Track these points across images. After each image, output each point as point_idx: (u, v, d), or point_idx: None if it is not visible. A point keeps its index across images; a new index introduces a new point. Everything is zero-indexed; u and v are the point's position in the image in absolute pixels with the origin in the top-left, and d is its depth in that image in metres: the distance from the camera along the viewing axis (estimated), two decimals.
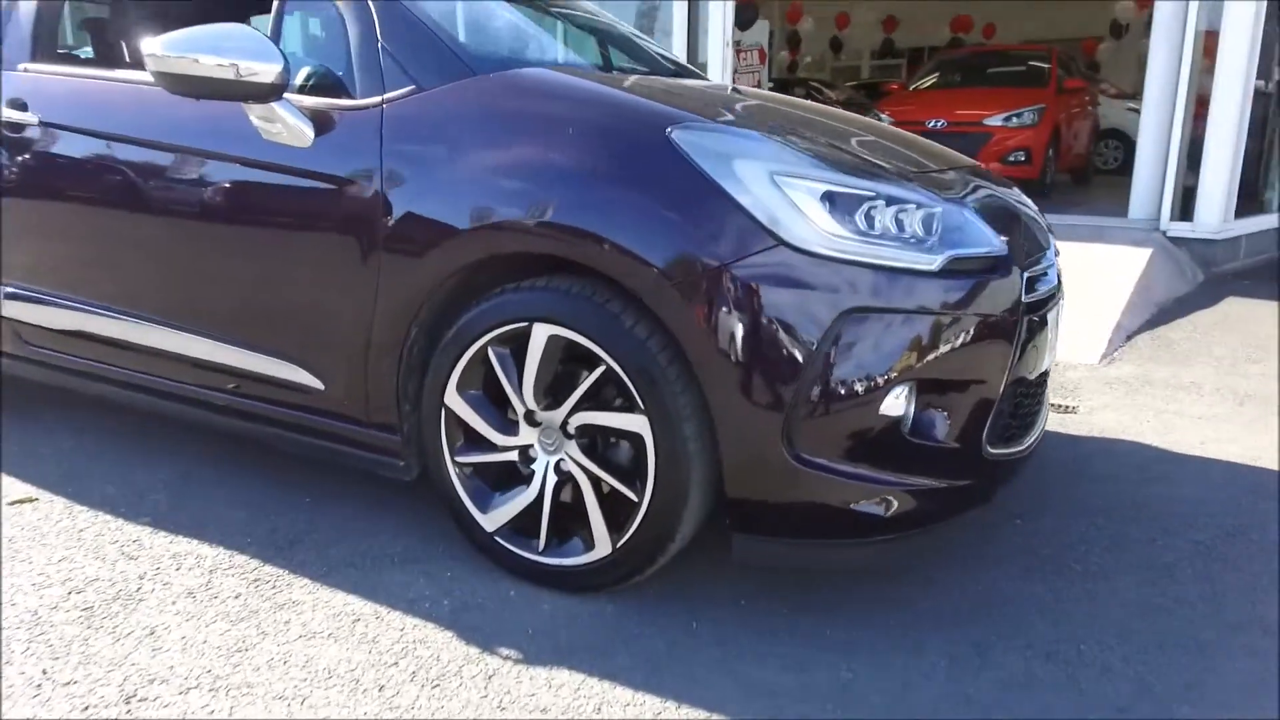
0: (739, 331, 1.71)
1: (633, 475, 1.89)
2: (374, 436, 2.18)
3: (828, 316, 1.70)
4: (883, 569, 2.08)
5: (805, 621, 1.92)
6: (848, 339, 1.71)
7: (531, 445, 2.00)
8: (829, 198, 1.75)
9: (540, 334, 1.88)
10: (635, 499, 1.86)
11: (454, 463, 2.06)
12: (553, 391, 1.95)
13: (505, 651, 1.79)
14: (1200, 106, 6.03)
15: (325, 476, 2.52)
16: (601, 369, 1.84)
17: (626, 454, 1.95)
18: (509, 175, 1.90)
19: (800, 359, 1.70)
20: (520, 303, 1.91)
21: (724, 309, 1.72)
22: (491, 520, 2.04)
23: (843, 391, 1.72)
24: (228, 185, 2.22)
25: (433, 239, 1.95)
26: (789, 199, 1.73)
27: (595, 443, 1.96)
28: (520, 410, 1.97)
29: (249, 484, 2.49)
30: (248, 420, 2.36)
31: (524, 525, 2.03)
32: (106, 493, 2.42)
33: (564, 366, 1.93)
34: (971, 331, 1.80)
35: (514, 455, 2.01)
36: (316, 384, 2.20)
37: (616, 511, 1.92)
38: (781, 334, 1.70)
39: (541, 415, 1.96)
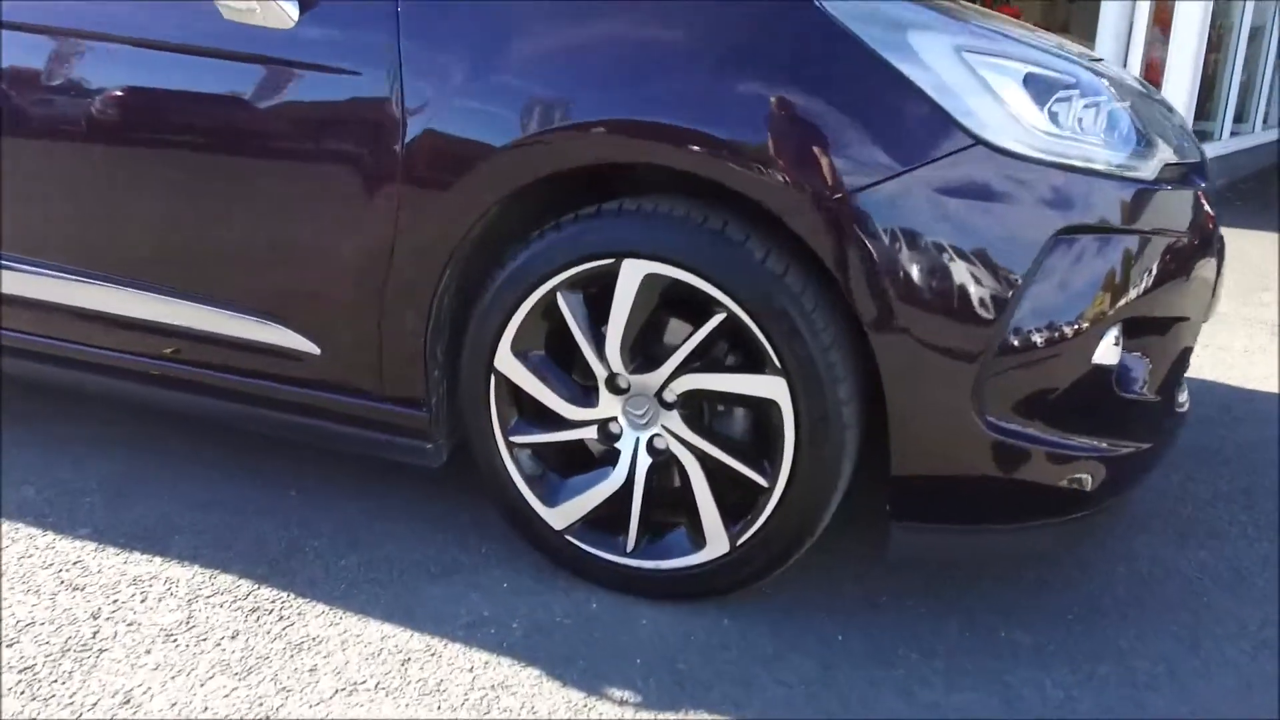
0: (922, 261, 1.30)
1: (753, 453, 1.48)
2: (390, 413, 1.68)
3: (1039, 237, 1.31)
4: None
5: (968, 623, 1.55)
6: (1058, 266, 1.32)
7: (614, 418, 1.55)
8: (1029, 82, 1.35)
9: (633, 273, 1.43)
10: (764, 483, 1.45)
11: (508, 444, 1.60)
12: (638, 350, 1.51)
13: (617, 693, 1.36)
14: (1160, 24, 5.88)
15: (308, 464, 2.01)
16: (721, 316, 1.40)
17: (741, 426, 1.53)
18: (588, 60, 1.42)
19: (1003, 295, 1.30)
20: (604, 232, 1.45)
21: (902, 231, 1.30)
22: (561, 515, 1.59)
23: (1053, 335, 1.33)
24: (177, 87, 1.66)
25: (476, 151, 1.46)
26: (984, 82, 1.32)
27: (700, 413, 1.53)
28: (600, 374, 1.52)
29: (210, 478, 1.96)
30: (211, 397, 1.83)
31: (602, 520, 1.59)
32: (25, 496, 1.86)
33: (651, 316, 1.49)
34: (1184, 257, 1.45)
35: (591, 432, 1.57)
36: (310, 348, 1.69)
37: (723, 497, 1.51)
38: (979, 262, 1.30)
39: (629, 379, 1.51)
